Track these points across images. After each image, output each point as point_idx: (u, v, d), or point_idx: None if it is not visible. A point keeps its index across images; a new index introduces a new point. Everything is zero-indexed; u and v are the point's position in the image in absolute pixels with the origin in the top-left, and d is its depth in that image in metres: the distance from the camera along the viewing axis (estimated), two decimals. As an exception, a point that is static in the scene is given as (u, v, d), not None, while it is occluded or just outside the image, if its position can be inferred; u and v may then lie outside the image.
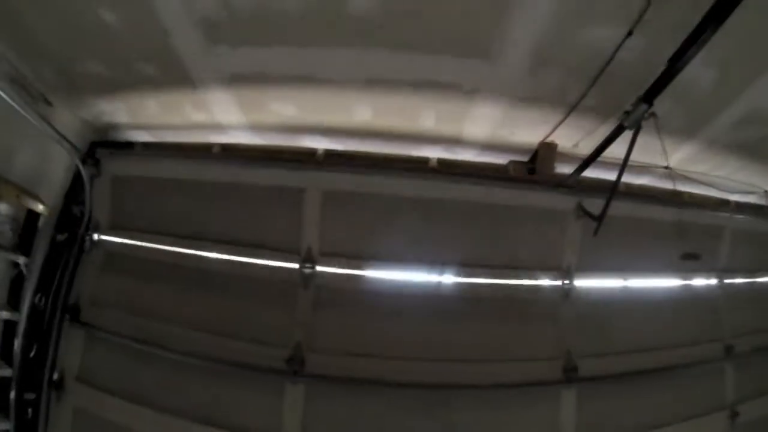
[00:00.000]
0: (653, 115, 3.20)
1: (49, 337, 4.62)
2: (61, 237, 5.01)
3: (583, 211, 4.04)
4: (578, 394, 4.22)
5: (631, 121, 3.26)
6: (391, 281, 4.13)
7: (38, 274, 4.95)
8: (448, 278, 4.17)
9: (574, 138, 3.94)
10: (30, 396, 4.84)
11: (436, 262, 4.06)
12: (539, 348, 4.25)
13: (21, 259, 4.89)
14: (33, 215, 4.89)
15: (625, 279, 4.68)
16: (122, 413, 4.05)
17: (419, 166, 4.09)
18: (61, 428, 4.30)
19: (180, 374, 3.96)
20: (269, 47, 3.21)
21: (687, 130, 3.96)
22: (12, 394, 4.81)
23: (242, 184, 4.01)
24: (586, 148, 3.92)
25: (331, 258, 3.99)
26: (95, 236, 4.63)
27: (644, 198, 4.48)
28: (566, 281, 4.29)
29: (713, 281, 5.24)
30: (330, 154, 4.14)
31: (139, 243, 4.36)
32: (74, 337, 4.37)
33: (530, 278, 4.21)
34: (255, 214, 4.03)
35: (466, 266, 4.04)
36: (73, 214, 4.99)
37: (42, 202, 4.86)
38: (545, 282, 4.31)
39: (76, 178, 4.84)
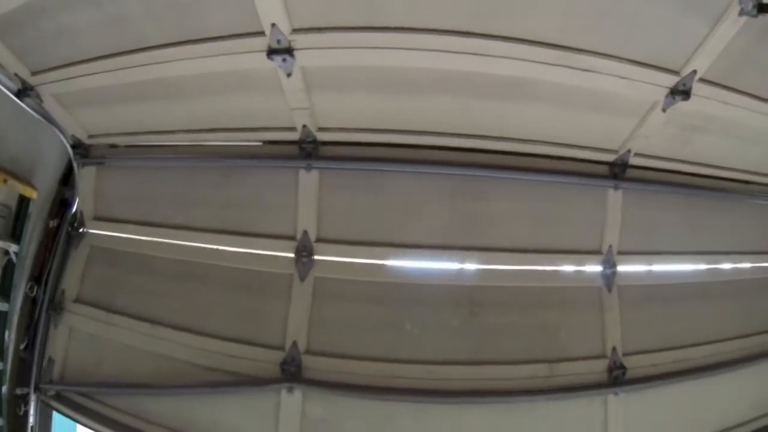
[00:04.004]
0: None
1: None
2: (53, 223, 4.92)
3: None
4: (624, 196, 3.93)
5: None
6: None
7: (31, 263, 4.82)
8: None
9: None
10: (23, 391, 4.57)
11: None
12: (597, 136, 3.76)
13: (12, 247, 4.76)
14: (26, 201, 4.82)
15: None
16: (137, 240, 3.92)
17: None
18: (76, 267, 4.15)
19: (191, 190, 3.83)
20: None
21: None
22: (4, 389, 4.56)
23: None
24: None
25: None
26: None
27: None
28: (683, 85, 3.34)
29: None
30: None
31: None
32: (86, 177, 4.24)
33: (628, 77, 3.30)
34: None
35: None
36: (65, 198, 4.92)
37: (33, 187, 4.81)
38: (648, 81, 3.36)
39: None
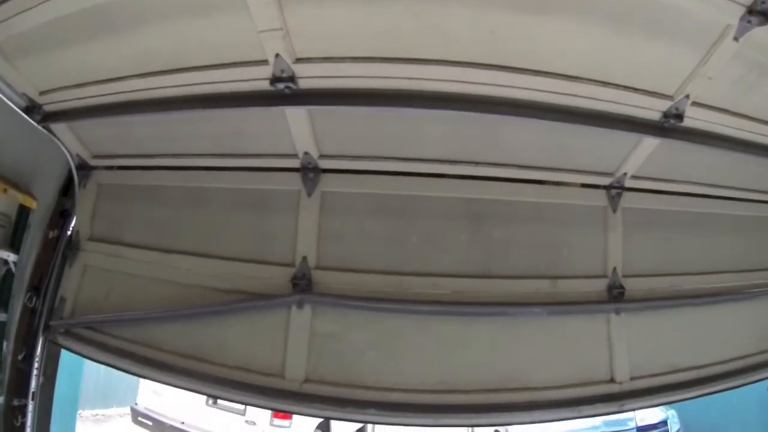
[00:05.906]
0: None
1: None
2: (53, 234, 4.92)
3: None
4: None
5: None
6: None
7: (30, 273, 4.77)
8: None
9: None
10: (21, 402, 4.36)
11: None
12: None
13: (10, 257, 4.72)
14: (25, 211, 4.85)
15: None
16: (141, 172, 3.85)
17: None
18: (86, 206, 4.08)
19: (177, 127, 3.57)
20: None
21: None
22: (1, 400, 4.32)
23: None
24: None
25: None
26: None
27: None
28: (762, 3, 2.48)
29: None
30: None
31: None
32: (61, 132, 3.95)
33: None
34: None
35: None
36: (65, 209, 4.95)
37: (33, 197, 4.87)
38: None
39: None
